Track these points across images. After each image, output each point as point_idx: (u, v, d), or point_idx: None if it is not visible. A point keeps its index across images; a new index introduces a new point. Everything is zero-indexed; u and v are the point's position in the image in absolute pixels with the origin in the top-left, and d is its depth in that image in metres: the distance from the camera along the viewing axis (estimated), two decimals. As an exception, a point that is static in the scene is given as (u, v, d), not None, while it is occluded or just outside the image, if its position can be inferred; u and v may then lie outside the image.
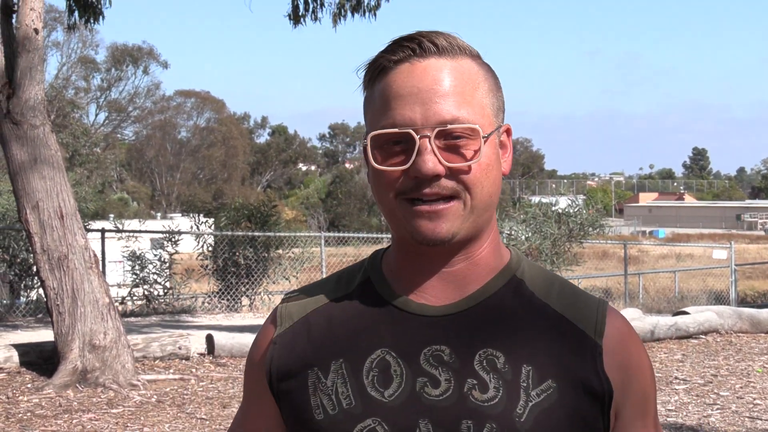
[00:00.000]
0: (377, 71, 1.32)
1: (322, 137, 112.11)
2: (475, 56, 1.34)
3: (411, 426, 1.26)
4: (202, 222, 17.31)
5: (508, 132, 1.37)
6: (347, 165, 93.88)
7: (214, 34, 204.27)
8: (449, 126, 1.25)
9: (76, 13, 11.63)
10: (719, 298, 19.71)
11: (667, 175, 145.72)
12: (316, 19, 12.42)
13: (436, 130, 1.25)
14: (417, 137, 1.25)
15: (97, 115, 71.51)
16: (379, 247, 1.34)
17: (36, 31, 8.27)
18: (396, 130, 1.26)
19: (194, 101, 79.16)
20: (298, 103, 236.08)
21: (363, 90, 1.37)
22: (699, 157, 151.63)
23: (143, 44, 72.78)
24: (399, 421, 1.27)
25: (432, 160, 1.24)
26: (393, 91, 1.28)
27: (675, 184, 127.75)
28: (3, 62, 8.26)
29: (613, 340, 1.32)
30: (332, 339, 1.35)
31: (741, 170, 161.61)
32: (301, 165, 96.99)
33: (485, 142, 1.28)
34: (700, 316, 12.00)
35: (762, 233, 72.48)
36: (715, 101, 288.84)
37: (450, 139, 1.26)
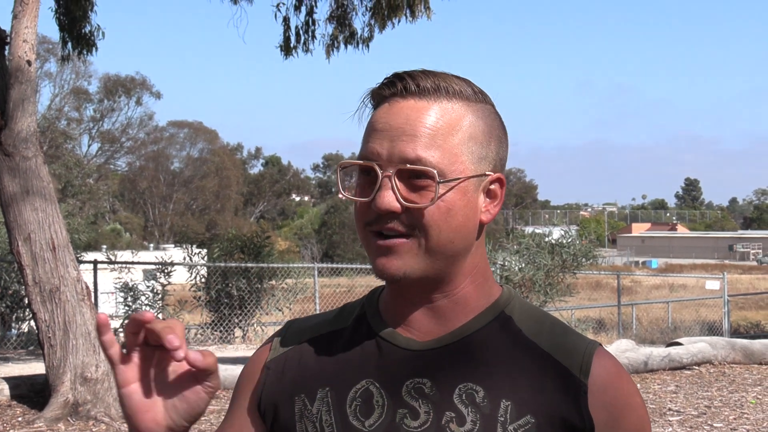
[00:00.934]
0: (366, 106, 1.36)
1: (315, 168, 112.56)
2: (472, 102, 1.33)
3: None
4: (195, 253, 17.25)
5: (501, 182, 1.35)
6: (341, 195, 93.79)
7: (207, 65, 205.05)
8: (408, 165, 1.26)
9: (70, 45, 11.66)
10: (712, 329, 19.71)
11: (660, 205, 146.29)
12: (307, 50, 12.48)
13: (398, 167, 1.27)
14: (380, 172, 1.28)
15: (89, 146, 71.71)
16: (372, 277, 1.36)
17: (29, 62, 8.29)
18: (362, 162, 1.30)
19: (187, 132, 79.38)
20: (292, 133, 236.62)
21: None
22: (691, 188, 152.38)
23: (136, 75, 73.11)
24: None
25: (389, 196, 1.27)
26: (371, 126, 1.32)
27: (668, 214, 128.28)
28: (-4, 94, 8.27)
29: (599, 380, 1.32)
30: (321, 368, 1.38)
31: (733, 201, 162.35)
32: (294, 195, 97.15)
33: (448, 186, 1.28)
34: (693, 347, 11.98)
35: (754, 264, 72.66)
36: (707, 133, 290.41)
37: (414, 179, 1.27)
